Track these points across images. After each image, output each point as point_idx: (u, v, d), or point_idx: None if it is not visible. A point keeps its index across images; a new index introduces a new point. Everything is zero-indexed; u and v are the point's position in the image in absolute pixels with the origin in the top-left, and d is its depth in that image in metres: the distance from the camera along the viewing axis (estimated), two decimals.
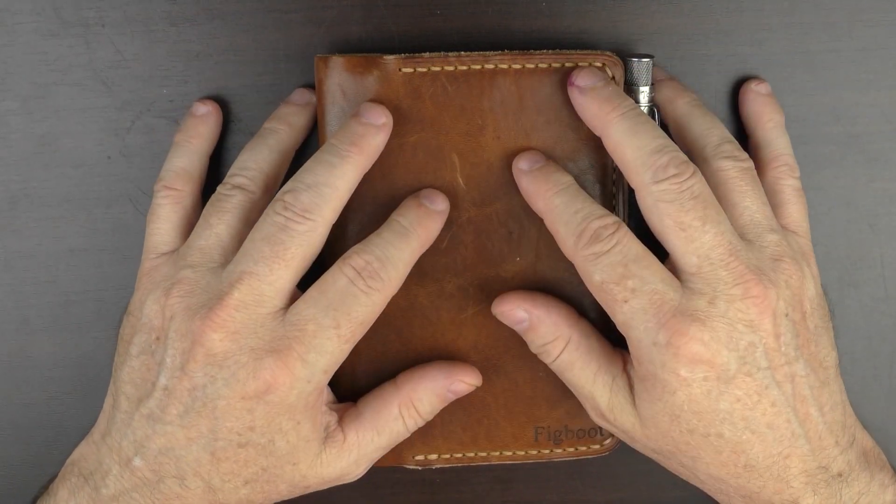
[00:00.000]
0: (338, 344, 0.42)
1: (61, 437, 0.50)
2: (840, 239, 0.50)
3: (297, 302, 0.42)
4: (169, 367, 0.42)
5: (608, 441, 0.47)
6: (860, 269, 0.50)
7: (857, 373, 0.50)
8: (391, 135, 0.44)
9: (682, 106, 0.46)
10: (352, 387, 0.46)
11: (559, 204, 0.43)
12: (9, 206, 0.49)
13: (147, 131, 0.48)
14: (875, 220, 0.50)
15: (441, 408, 0.46)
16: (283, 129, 0.46)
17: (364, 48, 0.48)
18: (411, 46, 0.48)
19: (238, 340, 0.41)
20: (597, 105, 0.43)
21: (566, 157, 0.45)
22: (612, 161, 0.46)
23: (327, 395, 0.45)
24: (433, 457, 0.47)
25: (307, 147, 0.48)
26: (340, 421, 0.45)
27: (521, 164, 0.45)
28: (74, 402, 0.50)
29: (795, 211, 0.46)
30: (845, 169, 0.50)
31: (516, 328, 0.45)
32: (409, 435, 0.46)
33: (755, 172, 0.45)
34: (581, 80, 0.44)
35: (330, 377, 0.43)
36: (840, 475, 0.42)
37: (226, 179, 0.45)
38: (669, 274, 0.42)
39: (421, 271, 0.46)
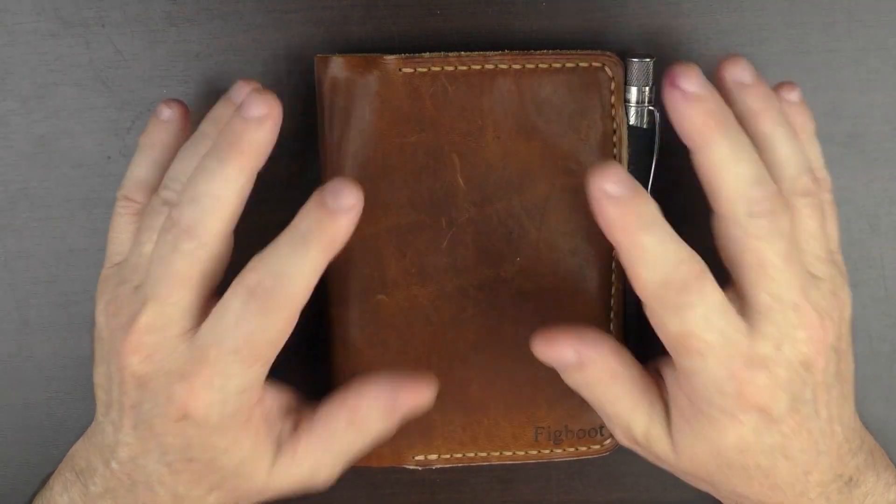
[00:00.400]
0: (242, 368, 0.39)
1: (61, 437, 0.50)
2: (841, 239, 0.50)
3: (203, 323, 0.40)
4: (115, 381, 0.41)
5: (608, 441, 0.47)
6: (860, 269, 0.50)
7: (857, 373, 0.50)
8: (391, 135, 0.44)
9: (768, 123, 0.42)
10: None
11: (647, 244, 0.38)
12: (9, 206, 0.49)
13: None
14: (875, 221, 0.50)
15: (395, 425, 0.43)
16: (215, 135, 0.42)
17: (364, 48, 0.48)
18: (411, 46, 0.48)
19: (155, 363, 0.40)
20: (702, 119, 0.39)
21: (566, 158, 0.45)
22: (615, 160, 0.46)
23: (283, 400, 0.43)
24: (433, 457, 0.47)
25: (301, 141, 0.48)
26: (296, 428, 0.43)
27: (608, 187, 0.38)
28: (74, 403, 0.50)
29: (829, 227, 0.44)
30: (845, 169, 0.50)
31: (557, 367, 0.42)
32: (367, 449, 0.43)
33: (832, 200, 0.43)
34: (687, 83, 0.39)
35: (254, 396, 0.40)
36: (851, 479, 0.42)
37: (157, 191, 0.43)
38: (738, 317, 0.39)
39: (421, 271, 0.46)
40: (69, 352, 0.50)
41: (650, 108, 0.46)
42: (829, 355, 0.41)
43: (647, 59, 0.46)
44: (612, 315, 0.47)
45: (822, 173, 0.45)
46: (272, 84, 0.48)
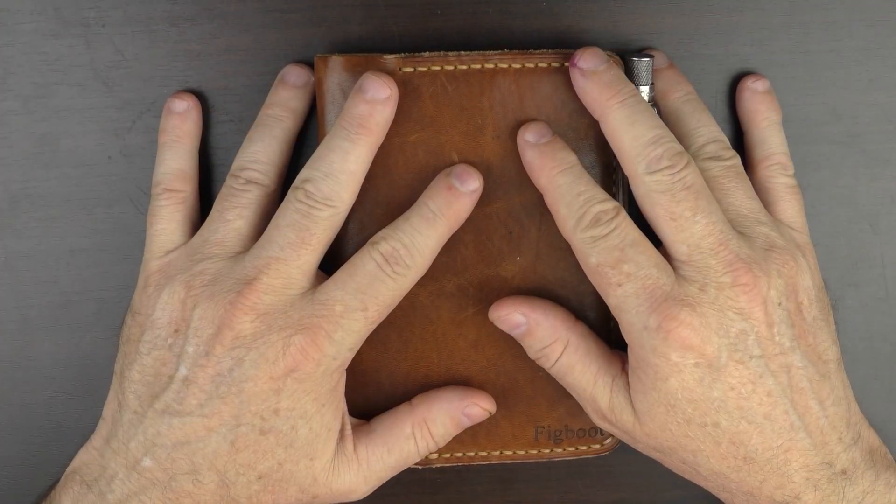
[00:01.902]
0: (364, 325, 0.43)
1: (61, 437, 0.50)
2: (841, 239, 0.50)
3: (326, 283, 0.43)
4: (191, 356, 0.42)
5: (608, 441, 0.47)
6: (861, 268, 0.50)
7: (857, 373, 0.50)
8: (391, 134, 0.45)
9: (672, 102, 0.47)
10: (352, 386, 0.46)
11: (563, 184, 0.43)
12: (9, 206, 0.49)
13: (147, 131, 0.48)
14: (876, 220, 0.50)
15: (454, 433, 0.46)
16: (286, 117, 0.46)
17: (364, 48, 0.48)
18: (411, 46, 0.48)
19: (267, 321, 0.42)
20: (597, 90, 0.43)
21: None
22: (615, 160, 0.46)
23: (343, 403, 0.45)
24: (433, 456, 0.47)
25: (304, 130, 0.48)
26: (353, 434, 0.45)
27: (528, 136, 0.44)
28: (74, 403, 0.50)
29: (789, 207, 0.47)
30: (846, 169, 0.50)
31: (514, 333, 0.45)
32: (419, 458, 0.46)
33: (741, 168, 0.45)
34: (584, 62, 0.44)
35: (353, 355, 0.43)
36: (844, 472, 0.42)
37: (236, 171, 0.45)
38: (664, 260, 0.42)
39: None
40: (69, 352, 0.50)
41: (650, 105, 0.46)
42: (772, 310, 0.42)
43: (647, 59, 0.46)
44: (611, 315, 0.47)
45: (784, 159, 0.47)
46: (273, 84, 0.48)
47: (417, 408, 0.46)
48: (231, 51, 0.48)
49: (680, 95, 0.47)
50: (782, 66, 0.49)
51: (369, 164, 0.44)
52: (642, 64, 0.46)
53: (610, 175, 0.46)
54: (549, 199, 0.44)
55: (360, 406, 0.47)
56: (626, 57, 0.46)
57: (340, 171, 0.43)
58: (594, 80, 0.43)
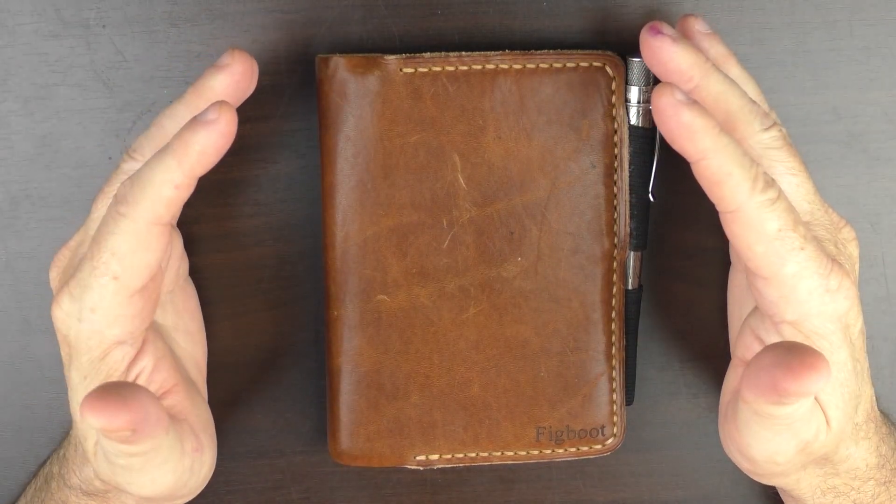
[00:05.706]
0: (94, 277, 0.39)
1: (61, 437, 0.50)
2: None
3: None
4: None
5: (610, 441, 0.47)
6: (861, 268, 0.50)
7: None
8: (392, 135, 0.45)
9: (736, 67, 0.44)
10: (354, 387, 0.46)
11: (729, 143, 0.38)
12: (10, 207, 0.49)
13: None
14: (876, 220, 0.50)
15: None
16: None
17: (365, 48, 0.48)
18: (412, 46, 0.48)
19: (62, 279, 0.43)
20: (693, 55, 0.41)
21: (567, 157, 0.46)
22: (613, 161, 0.46)
23: (170, 383, 0.42)
24: (434, 457, 0.47)
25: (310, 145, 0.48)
26: None
27: (680, 95, 0.38)
28: None
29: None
30: (846, 168, 0.50)
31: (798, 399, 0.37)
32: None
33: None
34: (668, 29, 0.41)
35: (108, 322, 0.40)
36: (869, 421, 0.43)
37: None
38: None
39: (422, 272, 0.46)
40: None
41: (651, 107, 0.46)
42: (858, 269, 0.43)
43: None
44: (613, 315, 0.47)
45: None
46: (273, 84, 0.48)
47: None
48: None
49: (736, 62, 0.45)
50: (782, 66, 0.49)
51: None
52: (643, 64, 0.46)
53: (611, 175, 0.46)
54: (717, 163, 0.38)
55: (361, 408, 0.47)
56: (626, 57, 0.46)
57: (155, 124, 0.42)
58: (687, 45, 0.41)
